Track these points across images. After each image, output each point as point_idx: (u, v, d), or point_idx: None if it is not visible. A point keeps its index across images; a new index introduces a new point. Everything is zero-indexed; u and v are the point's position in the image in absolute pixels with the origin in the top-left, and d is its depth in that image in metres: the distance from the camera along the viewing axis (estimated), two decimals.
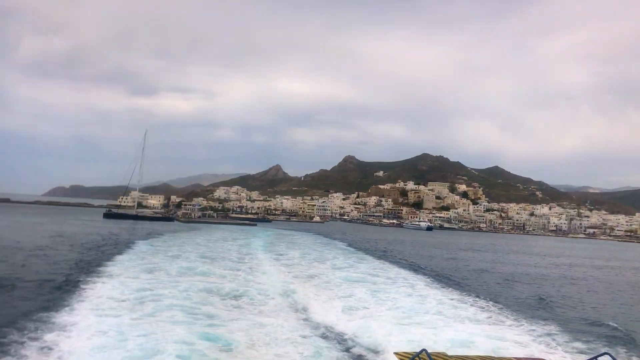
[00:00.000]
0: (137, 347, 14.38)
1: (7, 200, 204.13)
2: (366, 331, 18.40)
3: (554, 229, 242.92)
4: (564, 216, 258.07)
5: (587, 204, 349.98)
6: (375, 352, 16.26)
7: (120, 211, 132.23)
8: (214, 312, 20.09)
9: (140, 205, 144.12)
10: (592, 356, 9.46)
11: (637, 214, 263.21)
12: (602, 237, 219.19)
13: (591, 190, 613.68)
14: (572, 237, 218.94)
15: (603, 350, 16.52)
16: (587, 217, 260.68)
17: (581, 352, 17.57)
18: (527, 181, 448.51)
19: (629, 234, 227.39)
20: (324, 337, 18.05)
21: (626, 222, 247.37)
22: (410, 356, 8.74)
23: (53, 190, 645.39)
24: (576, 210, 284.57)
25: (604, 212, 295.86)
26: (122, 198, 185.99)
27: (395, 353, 9.46)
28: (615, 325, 23.34)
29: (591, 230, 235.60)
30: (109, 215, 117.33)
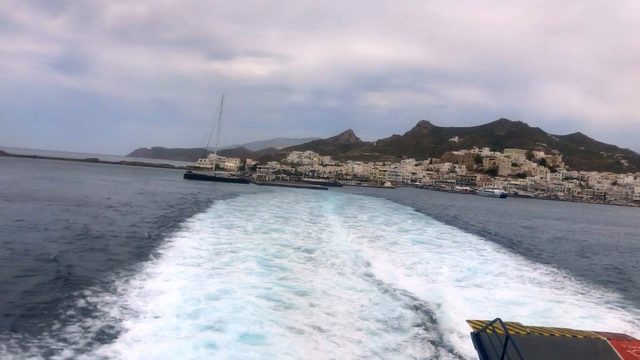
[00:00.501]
0: (215, 289, 16.49)
1: (95, 161, 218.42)
2: (428, 291, 19.01)
3: (639, 199, 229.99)
4: None
5: None
6: (440, 315, 16.28)
7: (200, 173, 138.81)
8: (286, 264, 22.15)
9: (217, 167, 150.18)
10: None
11: None
12: None
13: None
14: None
15: None
16: None
17: None
18: (611, 149, 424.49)
19: None
20: (386, 291, 19.08)
21: None
22: (484, 325, 8.42)
23: (136, 151, 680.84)
24: None
25: None
26: (200, 160, 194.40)
27: (468, 321, 9.19)
28: None
29: None
30: (189, 176, 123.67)
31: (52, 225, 28.97)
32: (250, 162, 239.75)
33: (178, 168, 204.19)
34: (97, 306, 14.32)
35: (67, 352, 11.20)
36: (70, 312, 13.72)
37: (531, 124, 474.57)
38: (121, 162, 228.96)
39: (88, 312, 13.77)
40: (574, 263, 31.09)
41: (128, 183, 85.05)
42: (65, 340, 11.80)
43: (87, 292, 15.46)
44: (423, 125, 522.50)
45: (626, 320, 16.95)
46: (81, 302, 14.53)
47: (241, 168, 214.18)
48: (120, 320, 13.30)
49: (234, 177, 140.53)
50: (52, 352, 11.12)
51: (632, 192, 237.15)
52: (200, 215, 40.34)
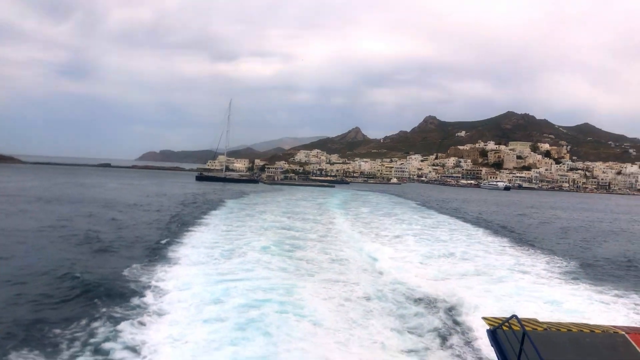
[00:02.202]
0: (229, 286, 17.65)
1: (108, 165, 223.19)
2: (440, 287, 19.29)
3: None
4: None
5: None
6: (454, 311, 16.43)
7: (210, 174, 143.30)
8: (297, 258, 23.98)
9: (227, 168, 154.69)
10: None
11: None
12: None
13: None
14: None
15: None
16: None
17: None
18: (620, 138, 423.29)
19: None
20: (396, 287, 19.35)
21: None
22: (500, 322, 8.37)
23: (145, 154, 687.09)
24: None
25: None
26: (210, 162, 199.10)
27: (484, 318, 9.11)
28: None
29: None
30: (200, 178, 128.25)
31: (90, 224, 33.44)
32: (258, 162, 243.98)
33: (189, 170, 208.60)
34: (119, 306, 15.03)
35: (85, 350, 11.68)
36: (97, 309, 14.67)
37: (538, 116, 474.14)
38: (133, 166, 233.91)
39: (110, 310, 14.63)
40: (583, 253, 31.30)
41: (145, 186, 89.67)
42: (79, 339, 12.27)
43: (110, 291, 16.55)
44: (430, 121, 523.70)
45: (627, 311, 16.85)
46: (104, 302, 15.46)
47: (250, 169, 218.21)
48: (143, 316, 14.17)
49: (244, 178, 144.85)
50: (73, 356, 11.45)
51: (636, 181, 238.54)
52: (214, 212, 44.21)
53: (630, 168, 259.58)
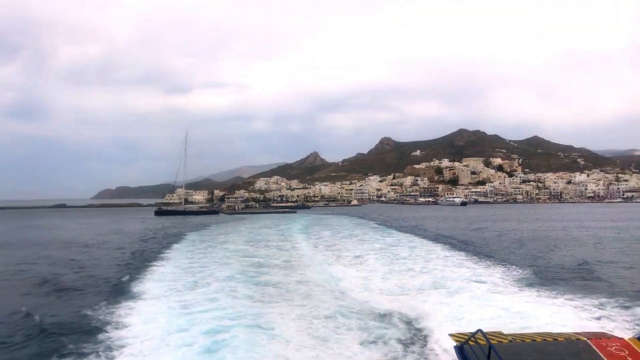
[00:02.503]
0: (196, 317, 17.43)
1: (63, 206, 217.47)
2: (404, 305, 19.36)
3: (592, 195, 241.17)
4: (601, 182, 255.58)
5: (632, 167, 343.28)
6: (420, 329, 16.35)
7: (169, 208, 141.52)
8: (261, 286, 23.93)
9: (186, 201, 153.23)
10: None
11: None
12: (639, 200, 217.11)
13: (637, 153, 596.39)
14: (608, 202, 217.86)
15: None
16: (626, 181, 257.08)
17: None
18: (568, 149, 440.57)
19: None
20: (361, 308, 19.35)
21: None
22: (466, 337, 8.51)
23: (101, 193, 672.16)
24: (615, 175, 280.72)
25: None
26: (169, 196, 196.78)
27: (451, 335, 9.31)
28: None
29: (629, 194, 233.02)
30: (159, 213, 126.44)
31: (50, 266, 32.96)
32: (218, 192, 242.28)
33: (147, 206, 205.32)
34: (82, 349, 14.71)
35: None
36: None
37: (489, 132, 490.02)
38: (89, 205, 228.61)
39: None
40: (537, 261, 32.12)
41: (103, 224, 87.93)
42: None
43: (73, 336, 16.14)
44: (386, 142, 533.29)
45: (603, 318, 17.11)
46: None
47: (209, 200, 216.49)
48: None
49: (204, 210, 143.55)
50: None
51: (586, 189, 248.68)
52: (176, 246, 43.92)
53: (579, 177, 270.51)
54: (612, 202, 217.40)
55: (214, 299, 20.45)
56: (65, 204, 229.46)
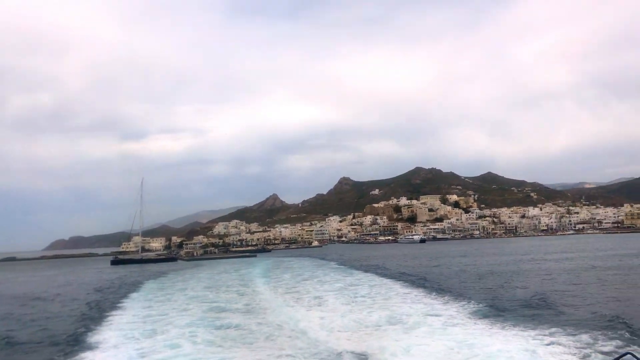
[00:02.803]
0: (150, 348, 18.64)
1: (13, 259, 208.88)
2: (368, 346, 19.16)
3: (545, 228, 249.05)
4: (554, 215, 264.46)
5: (582, 200, 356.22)
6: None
7: (126, 257, 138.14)
8: (221, 332, 23.82)
9: (143, 249, 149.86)
10: (614, 358, 8.95)
11: (625, 205, 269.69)
12: (589, 232, 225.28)
13: (587, 186, 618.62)
14: (561, 234, 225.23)
15: (623, 350, 16.13)
16: (577, 213, 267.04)
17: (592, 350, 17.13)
18: (521, 184, 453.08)
19: (616, 225, 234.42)
20: (326, 351, 19.10)
21: (614, 214, 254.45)
22: None
23: (54, 243, 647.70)
24: (566, 208, 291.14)
25: (595, 206, 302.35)
26: (125, 244, 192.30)
27: None
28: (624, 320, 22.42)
29: (580, 226, 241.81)
30: (115, 262, 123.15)
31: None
32: (175, 239, 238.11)
33: (102, 255, 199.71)
34: None
35: None
36: None
37: (445, 169, 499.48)
38: (41, 257, 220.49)
39: None
40: (494, 295, 32.84)
41: (57, 275, 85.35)
42: None
43: None
44: (344, 182, 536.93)
45: (553, 344, 17.78)
46: None
47: (167, 247, 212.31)
48: None
49: (161, 257, 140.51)
50: None
51: (539, 222, 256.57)
52: (134, 295, 43.09)
53: (532, 211, 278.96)
54: (565, 234, 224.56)
55: (174, 344, 20.54)
56: (15, 256, 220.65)
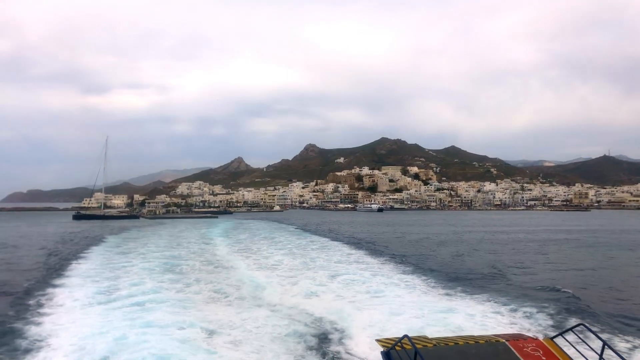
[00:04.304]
0: (115, 320, 17.20)
1: None
2: (329, 311, 18.89)
3: (499, 203, 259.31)
4: (508, 191, 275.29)
5: (539, 177, 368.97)
6: (346, 335, 15.96)
7: (88, 212, 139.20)
8: (177, 278, 26.51)
9: (105, 206, 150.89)
10: (566, 328, 9.42)
11: (577, 185, 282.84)
12: (538, 208, 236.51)
13: (546, 164, 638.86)
14: (512, 209, 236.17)
15: (573, 321, 16.49)
16: (530, 190, 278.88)
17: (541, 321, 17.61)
18: (483, 159, 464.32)
19: (564, 203, 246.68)
20: (285, 315, 18.65)
21: (564, 192, 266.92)
22: (392, 342, 8.72)
23: (11, 196, 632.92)
24: (521, 185, 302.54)
25: (549, 184, 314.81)
26: (86, 200, 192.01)
27: (378, 340, 9.41)
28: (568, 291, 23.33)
29: (532, 203, 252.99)
30: (78, 217, 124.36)
31: None
32: (138, 197, 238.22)
33: (63, 210, 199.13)
34: None
35: None
36: None
37: (410, 141, 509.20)
38: (1, 209, 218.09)
39: None
40: (454, 266, 33.17)
41: (20, 226, 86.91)
42: None
43: None
44: (310, 149, 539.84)
45: (520, 319, 17.93)
46: None
47: (129, 205, 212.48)
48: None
49: (124, 214, 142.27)
50: None
51: (493, 197, 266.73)
52: (95, 248, 44.95)
53: (488, 186, 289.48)
54: (516, 209, 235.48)
55: (135, 283, 23.34)
56: None
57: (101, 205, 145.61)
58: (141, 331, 15.55)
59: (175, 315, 17.71)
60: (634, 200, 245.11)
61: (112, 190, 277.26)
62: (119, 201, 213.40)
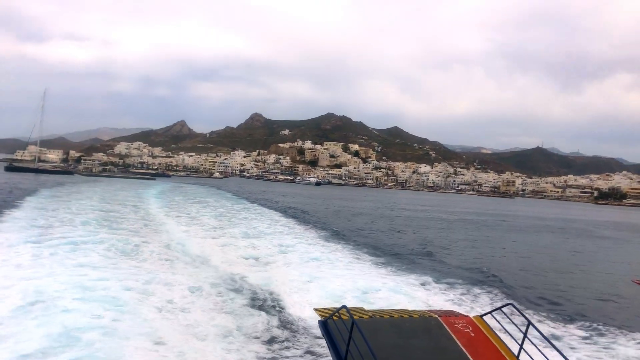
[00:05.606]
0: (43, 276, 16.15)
1: None
2: (266, 279, 18.98)
3: (432, 185, 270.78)
4: (441, 174, 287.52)
5: (475, 163, 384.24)
6: (285, 303, 15.98)
7: (21, 165, 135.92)
8: (107, 237, 25.46)
9: (39, 159, 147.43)
10: (495, 307, 9.60)
11: (507, 173, 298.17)
12: (467, 192, 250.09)
13: (484, 151, 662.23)
14: (443, 192, 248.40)
15: (502, 301, 17.14)
16: (462, 175, 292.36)
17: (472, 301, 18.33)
18: (423, 141, 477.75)
19: (492, 189, 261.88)
20: (225, 281, 18.54)
21: (494, 179, 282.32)
22: (330, 312, 8.86)
23: None
24: (454, 169, 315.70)
25: (481, 171, 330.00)
26: (19, 152, 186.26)
27: (316, 309, 9.51)
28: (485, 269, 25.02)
29: (463, 187, 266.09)
30: (10, 169, 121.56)
31: None
32: (74, 153, 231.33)
33: None
34: None
35: None
36: None
37: (355, 118, 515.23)
38: None
39: None
40: (387, 241, 34.06)
41: None
42: None
43: None
44: (256, 118, 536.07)
45: (452, 297, 18.60)
46: None
47: (64, 160, 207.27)
48: None
49: (58, 169, 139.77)
50: None
51: (427, 179, 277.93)
52: (29, 199, 45.18)
53: (423, 168, 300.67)
54: (446, 192, 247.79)
55: (69, 230, 25.19)
56: None
57: (35, 159, 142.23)
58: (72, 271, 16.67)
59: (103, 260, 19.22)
60: (554, 191, 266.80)
61: (47, 144, 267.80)
62: (54, 156, 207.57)
